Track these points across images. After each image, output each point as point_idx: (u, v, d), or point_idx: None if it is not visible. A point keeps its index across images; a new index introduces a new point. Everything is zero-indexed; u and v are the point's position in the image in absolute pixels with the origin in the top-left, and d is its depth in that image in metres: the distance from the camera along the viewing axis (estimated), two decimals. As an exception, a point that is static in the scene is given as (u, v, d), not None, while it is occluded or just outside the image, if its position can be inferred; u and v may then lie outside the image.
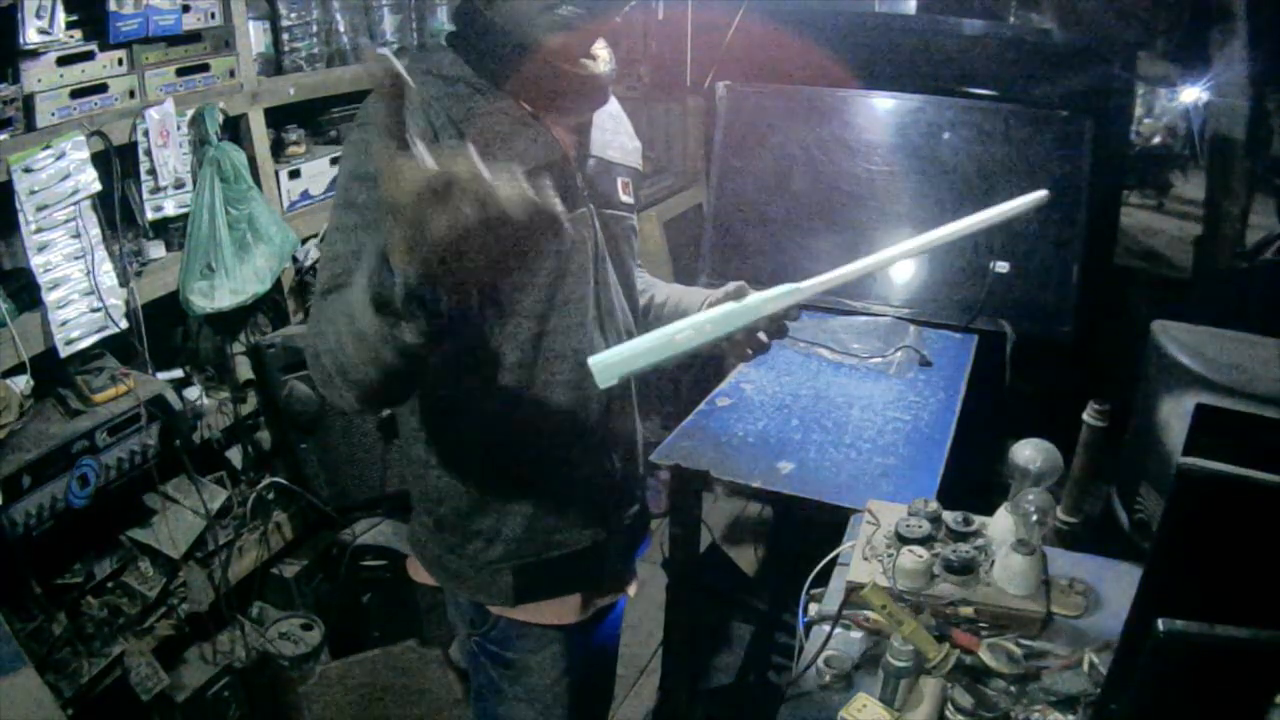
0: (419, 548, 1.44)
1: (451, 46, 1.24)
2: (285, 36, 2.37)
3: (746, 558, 2.92)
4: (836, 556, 1.55)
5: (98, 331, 1.93)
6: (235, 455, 2.33)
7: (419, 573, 1.46)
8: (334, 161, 2.45)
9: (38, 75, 1.80)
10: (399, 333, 0.90)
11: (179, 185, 2.09)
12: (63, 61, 1.84)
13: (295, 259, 2.32)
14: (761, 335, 1.28)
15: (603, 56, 1.27)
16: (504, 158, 1.14)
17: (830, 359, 2.42)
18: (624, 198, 1.37)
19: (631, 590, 1.52)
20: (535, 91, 1.21)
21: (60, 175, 1.81)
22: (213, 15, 2.11)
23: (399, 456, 2.38)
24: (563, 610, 1.39)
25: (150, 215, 2.06)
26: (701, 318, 1.15)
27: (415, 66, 1.21)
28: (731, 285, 1.31)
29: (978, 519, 1.54)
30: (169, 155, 2.04)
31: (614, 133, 1.37)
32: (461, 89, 1.19)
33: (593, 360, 1.10)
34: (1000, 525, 1.51)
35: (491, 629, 1.40)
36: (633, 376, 1.17)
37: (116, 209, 1.96)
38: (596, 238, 1.30)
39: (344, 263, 1.12)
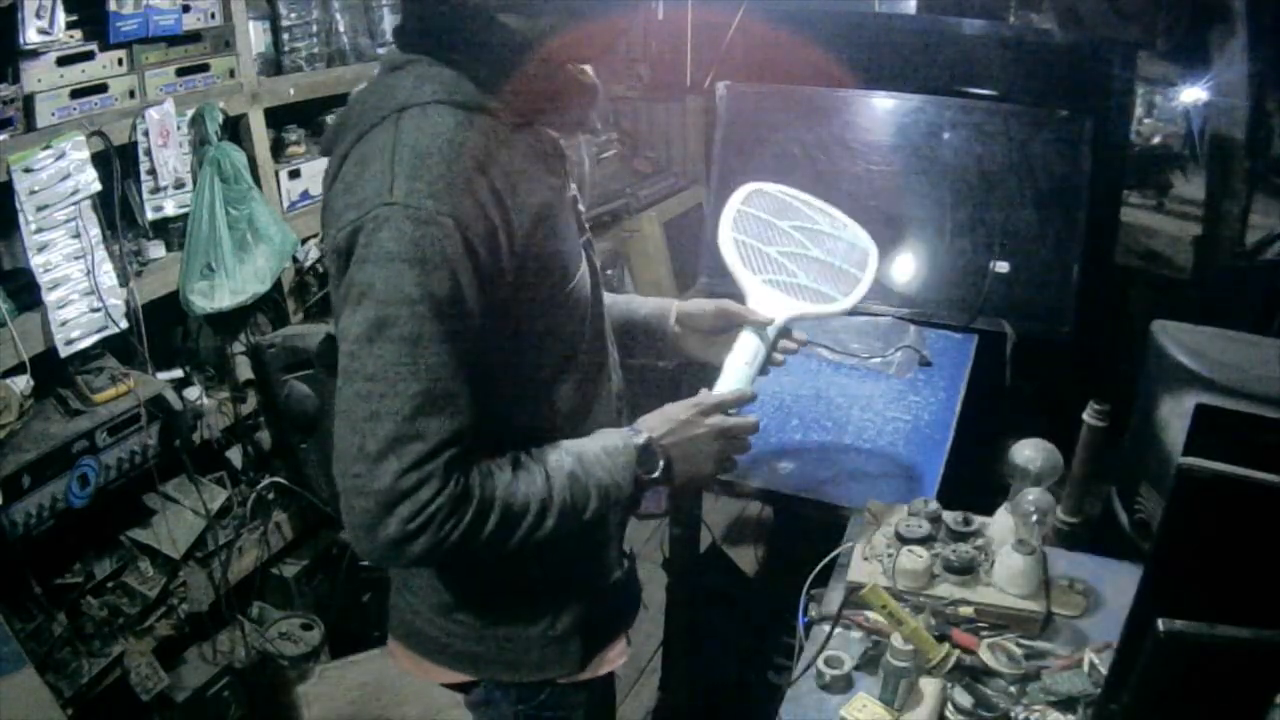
0: (441, 650, 1.27)
1: (429, 54, 1.02)
2: (285, 36, 2.37)
3: (746, 558, 2.92)
4: (836, 556, 1.55)
5: (98, 331, 1.93)
6: (235, 455, 2.33)
7: (432, 672, 1.30)
8: (334, 161, 2.45)
9: (38, 75, 1.80)
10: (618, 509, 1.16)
11: (179, 185, 2.09)
12: (63, 61, 1.84)
13: (295, 259, 2.32)
14: (778, 355, 1.37)
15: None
16: (542, 201, 1.04)
17: (830, 359, 2.41)
18: (581, 205, 1.27)
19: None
20: (549, 107, 1.08)
21: (60, 175, 1.81)
22: (213, 15, 2.11)
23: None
24: (617, 654, 1.32)
25: (150, 215, 2.06)
26: (749, 361, 1.31)
27: (420, 97, 0.99)
28: (709, 305, 1.39)
29: (978, 519, 1.54)
30: (169, 155, 2.04)
31: None
32: (484, 120, 1.00)
33: None
34: (1000, 525, 1.51)
35: (548, 697, 1.28)
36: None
37: (116, 209, 1.96)
38: (597, 264, 1.25)
39: (449, 383, 0.96)
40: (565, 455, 1.09)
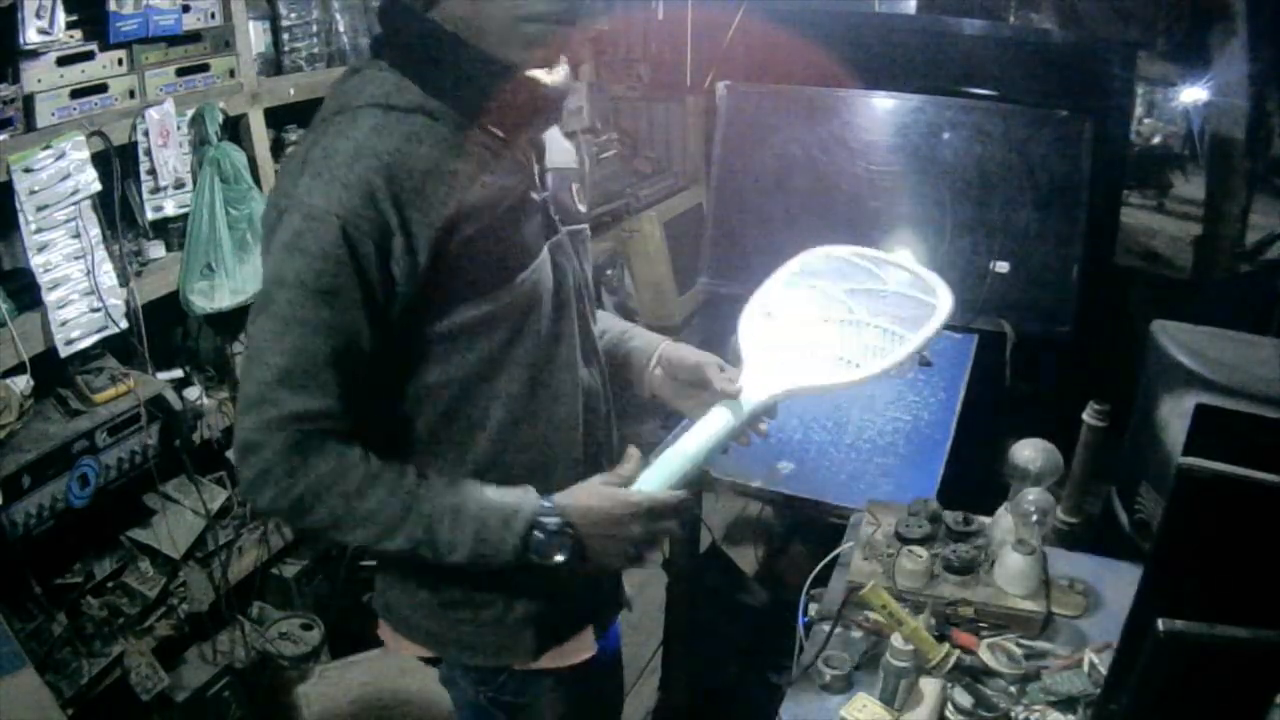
0: (408, 625, 1.31)
1: (388, 62, 1.08)
2: (285, 36, 2.37)
3: (746, 558, 2.92)
4: (836, 556, 1.55)
5: (98, 331, 1.93)
6: (235, 455, 2.33)
7: (405, 647, 1.33)
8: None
9: (38, 75, 1.80)
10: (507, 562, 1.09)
11: (179, 185, 2.08)
12: (63, 61, 1.84)
13: (295, 259, 2.32)
14: (762, 425, 1.29)
15: (560, 63, 1.14)
16: (477, 203, 1.07)
17: (830, 359, 2.41)
18: (579, 206, 1.28)
19: (629, 603, 1.47)
20: (503, 110, 1.09)
21: (60, 175, 1.81)
22: (213, 15, 2.11)
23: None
24: (579, 647, 1.32)
25: (150, 215, 2.06)
26: (703, 445, 1.19)
27: (357, 101, 1.06)
28: (689, 357, 1.31)
29: (978, 519, 1.54)
30: (169, 155, 2.04)
31: (554, 137, 1.27)
32: (418, 124, 1.05)
33: None
34: (1000, 525, 1.51)
35: (507, 681, 1.30)
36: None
37: (116, 209, 1.96)
38: (574, 265, 1.23)
39: (312, 364, 1.02)
40: (454, 494, 1.09)
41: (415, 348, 1.11)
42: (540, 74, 1.10)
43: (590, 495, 1.14)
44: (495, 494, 1.11)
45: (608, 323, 1.42)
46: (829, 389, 1.26)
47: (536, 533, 1.09)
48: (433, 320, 1.09)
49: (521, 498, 1.12)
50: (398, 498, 1.07)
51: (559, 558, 1.10)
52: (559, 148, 1.27)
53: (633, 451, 1.20)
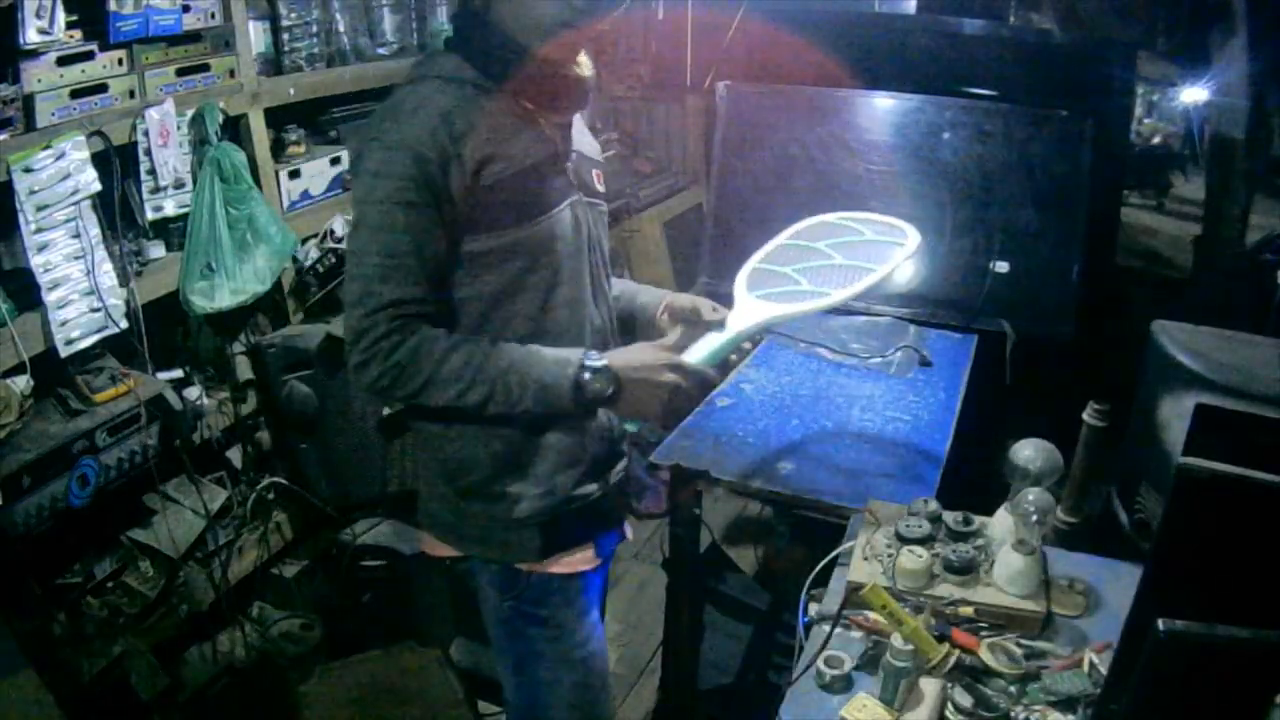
0: (436, 522, 1.54)
1: (453, 49, 1.37)
2: (285, 36, 2.37)
3: (746, 558, 2.92)
4: (836, 556, 1.55)
5: (98, 331, 1.93)
6: (235, 455, 2.33)
7: (436, 548, 1.57)
8: (334, 161, 2.45)
9: (38, 75, 1.80)
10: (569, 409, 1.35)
11: (179, 185, 2.09)
12: (63, 61, 1.84)
13: (295, 259, 2.32)
14: (746, 344, 1.54)
15: (585, 63, 1.43)
16: (509, 153, 1.33)
17: (830, 359, 2.41)
18: (599, 186, 1.55)
19: (629, 532, 1.66)
20: (535, 91, 1.36)
21: (60, 175, 1.81)
22: (213, 15, 2.11)
23: (402, 451, 2.39)
24: (582, 559, 1.52)
25: (150, 215, 2.07)
26: (694, 361, 1.43)
27: (427, 74, 1.35)
28: (687, 300, 1.57)
29: (978, 519, 1.54)
30: (169, 155, 2.04)
31: (583, 131, 1.54)
32: (470, 91, 1.32)
33: None
34: (1000, 525, 1.51)
35: (525, 589, 1.51)
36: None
37: (116, 209, 1.96)
38: (589, 224, 1.48)
39: (403, 260, 1.29)
40: (516, 349, 1.35)
41: (458, 263, 1.36)
42: (569, 66, 1.39)
43: (631, 349, 1.44)
44: (550, 350, 1.37)
45: (623, 287, 1.66)
46: (799, 314, 1.52)
47: (585, 374, 1.34)
48: (470, 239, 1.34)
49: (573, 351, 1.37)
50: (475, 359, 1.32)
51: (607, 391, 1.35)
52: (587, 141, 1.54)
53: (675, 323, 1.52)
